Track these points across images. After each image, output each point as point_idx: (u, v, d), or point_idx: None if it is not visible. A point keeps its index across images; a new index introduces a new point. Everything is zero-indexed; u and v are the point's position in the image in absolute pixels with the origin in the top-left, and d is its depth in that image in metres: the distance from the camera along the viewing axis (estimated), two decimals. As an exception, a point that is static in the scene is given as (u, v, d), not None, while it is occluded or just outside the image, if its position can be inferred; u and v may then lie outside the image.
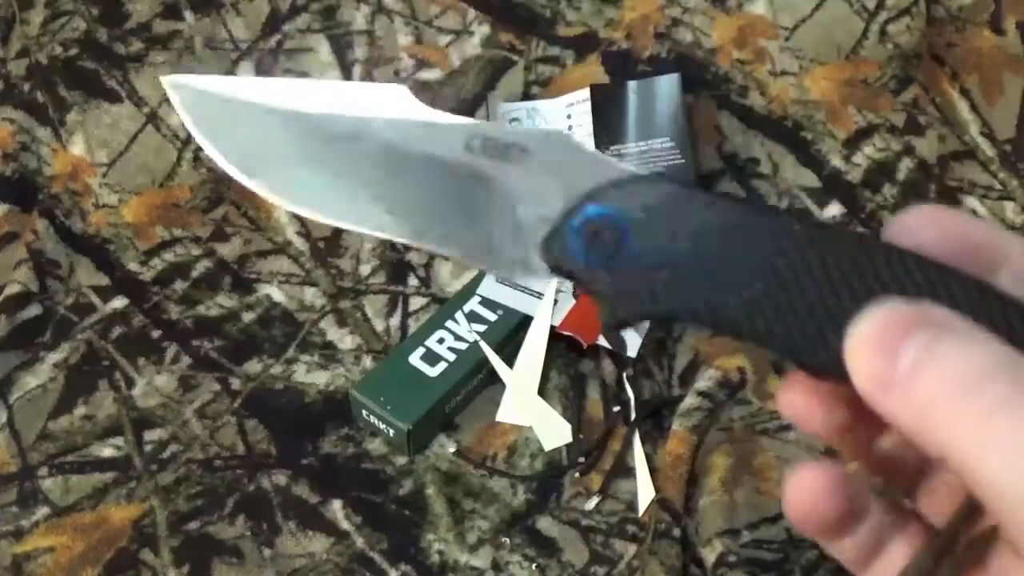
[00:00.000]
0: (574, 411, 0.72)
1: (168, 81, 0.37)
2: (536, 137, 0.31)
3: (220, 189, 0.82)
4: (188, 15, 0.88)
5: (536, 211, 0.31)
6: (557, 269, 0.30)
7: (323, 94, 0.35)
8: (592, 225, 0.29)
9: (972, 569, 0.29)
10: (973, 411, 0.25)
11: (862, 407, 0.27)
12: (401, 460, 0.71)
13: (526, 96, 0.85)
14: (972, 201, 0.81)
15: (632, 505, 0.69)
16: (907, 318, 0.26)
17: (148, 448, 0.71)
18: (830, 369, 0.28)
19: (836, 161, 0.82)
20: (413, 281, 0.78)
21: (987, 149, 0.83)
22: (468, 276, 0.77)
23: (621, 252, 0.29)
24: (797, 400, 0.31)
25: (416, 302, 0.77)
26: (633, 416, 0.71)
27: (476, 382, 0.72)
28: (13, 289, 0.77)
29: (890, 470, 0.33)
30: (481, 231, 0.32)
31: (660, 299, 0.29)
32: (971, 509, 0.29)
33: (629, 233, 0.29)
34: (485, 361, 0.72)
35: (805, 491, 0.30)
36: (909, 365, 0.25)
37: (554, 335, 0.73)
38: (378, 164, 0.33)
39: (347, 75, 0.86)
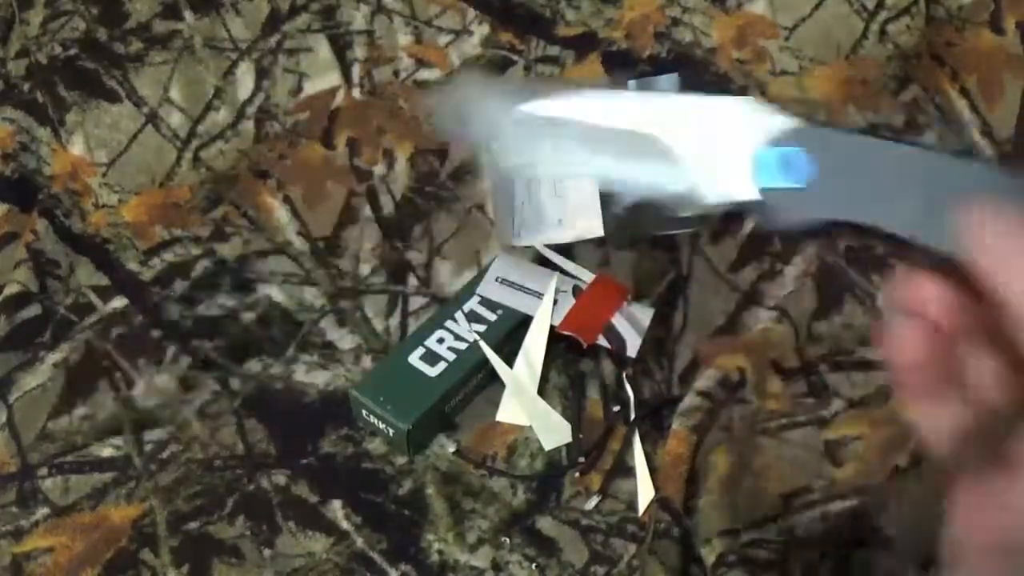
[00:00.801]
0: (574, 411, 0.72)
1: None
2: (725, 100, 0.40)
3: (220, 189, 0.82)
4: (188, 15, 0.88)
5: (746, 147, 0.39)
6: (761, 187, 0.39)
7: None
8: (784, 157, 0.38)
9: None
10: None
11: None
12: (401, 460, 0.71)
13: (526, 96, 0.85)
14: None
15: (632, 505, 0.69)
16: (998, 208, 0.33)
17: (148, 448, 0.71)
18: (941, 252, 0.35)
19: (836, 161, 0.82)
20: (413, 281, 0.78)
21: (987, 149, 0.83)
22: (468, 276, 0.77)
23: (804, 176, 0.38)
24: (911, 289, 0.37)
25: (416, 302, 0.77)
26: (633, 416, 0.71)
27: (476, 382, 0.72)
28: (13, 289, 0.77)
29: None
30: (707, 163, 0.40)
31: (830, 208, 0.38)
32: None
33: (809, 161, 0.38)
34: (485, 361, 0.72)
35: (906, 337, 0.35)
36: (994, 234, 0.33)
37: (554, 335, 0.73)
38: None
39: (347, 75, 0.86)
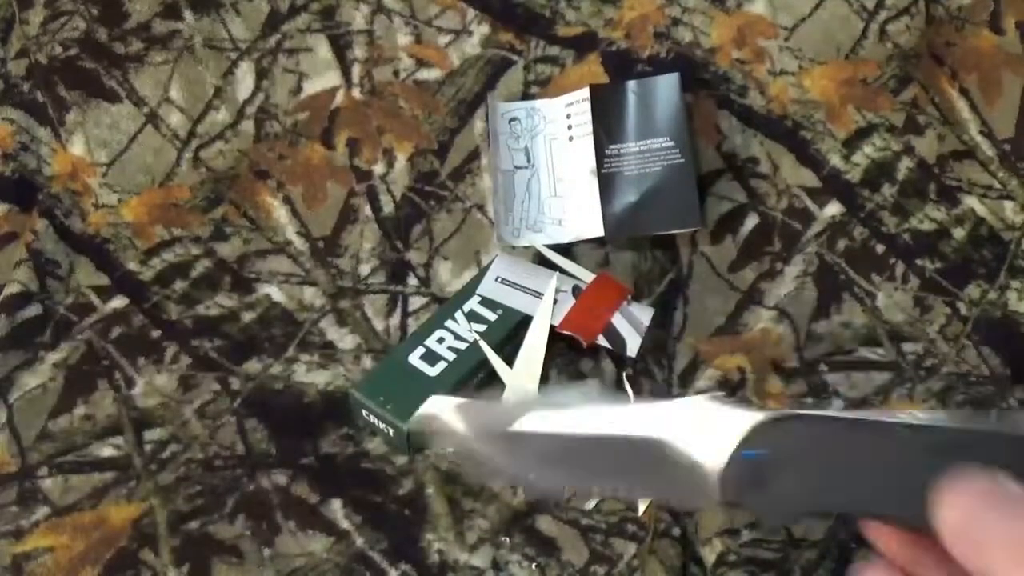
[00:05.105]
0: (574, 411, 0.72)
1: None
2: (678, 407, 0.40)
3: (220, 189, 0.82)
4: (188, 15, 0.88)
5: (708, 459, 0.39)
6: (728, 498, 0.39)
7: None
8: (750, 464, 0.38)
9: None
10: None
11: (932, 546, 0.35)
12: (401, 460, 0.71)
13: (525, 96, 0.85)
14: (972, 200, 0.81)
15: (632, 505, 0.69)
16: (986, 489, 0.33)
17: (148, 448, 0.71)
18: (918, 524, 0.35)
19: (835, 160, 0.82)
20: (413, 281, 0.78)
21: (986, 148, 0.83)
22: (468, 276, 0.77)
23: (771, 481, 0.38)
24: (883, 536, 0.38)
25: (416, 302, 0.77)
26: (633, 416, 0.71)
27: (476, 382, 0.72)
28: (13, 289, 0.77)
29: None
30: (670, 477, 0.40)
31: (803, 507, 0.38)
32: None
33: (775, 466, 0.38)
34: (485, 361, 0.72)
35: None
36: (982, 530, 0.33)
37: (554, 335, 0.73)
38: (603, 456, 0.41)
39: (347, 75, 0.86)
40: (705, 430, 0.39)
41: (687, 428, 0.39)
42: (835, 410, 0.69)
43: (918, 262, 0.79)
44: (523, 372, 0.72)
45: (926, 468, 0.35)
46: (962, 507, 0.33)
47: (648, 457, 0.40)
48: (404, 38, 0.88)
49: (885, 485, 0.36)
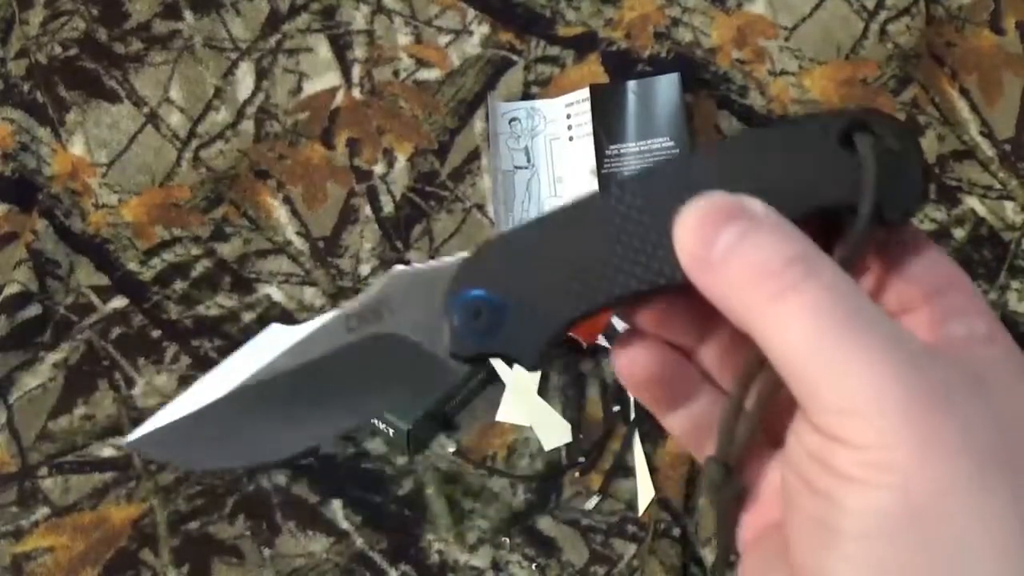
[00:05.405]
0: (574, 411, 0.72)
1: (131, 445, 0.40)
2: (382, 283, 0.35)
3: (220, 189, 0.82)
4: (188, 15, 0.88)
5: (430, 331, 0.34)
6: (474, 359, 0.34)
7: (223, 371, 0.38)
8: (469, 309, 0.33)
9: (769, 427, 0.33)
10: (767, 293, 0.29)
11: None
12: (401, 460, 0.71)
13: (526, 96, 0.85)
14: (972, 200, 0.81)
15: (632, 505, 0.69)
16: (726, 207, 0.30)
17: (148, 448, 0.71)
18: (671, 283, 0.32)
19: (836, 161, 0.82)
20: (413, 281, 0.78)
21: (987, 149, 0.83)
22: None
23: (493, 314, 0.33)
24: (632, 353, 0.35)
25: (416, 302, 0.77)
26: (633, 416, 0.71)
27: (476, 382, 0.72)
28: (13, 289, 0.77)
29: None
30: (408, 372, 0.35)
31: (552, 325, 0.33)
32: (754, 367, 0.32)
33: (498, 301, 0.33)
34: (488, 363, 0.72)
35: (632, 355, 0.34)
36: (723, 250, 0.29)
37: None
38: (294, 398, 0.35)
39: (347, 75, 0.86)
40: (410, 300, 0.34)
41: (393, 304, 0.34)
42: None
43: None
44: (523, 372, 0.72)
45: (658, 213, 0.31)
46: (699, 226, 0.30)
47: (365, 360, 0.35)
48: (404, 38, 0.88)
49: (623, 254, 0.32)
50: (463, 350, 0.34)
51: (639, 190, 0.32)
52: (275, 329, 0.36)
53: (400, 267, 0.35)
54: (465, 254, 0.34)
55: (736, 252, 0.29)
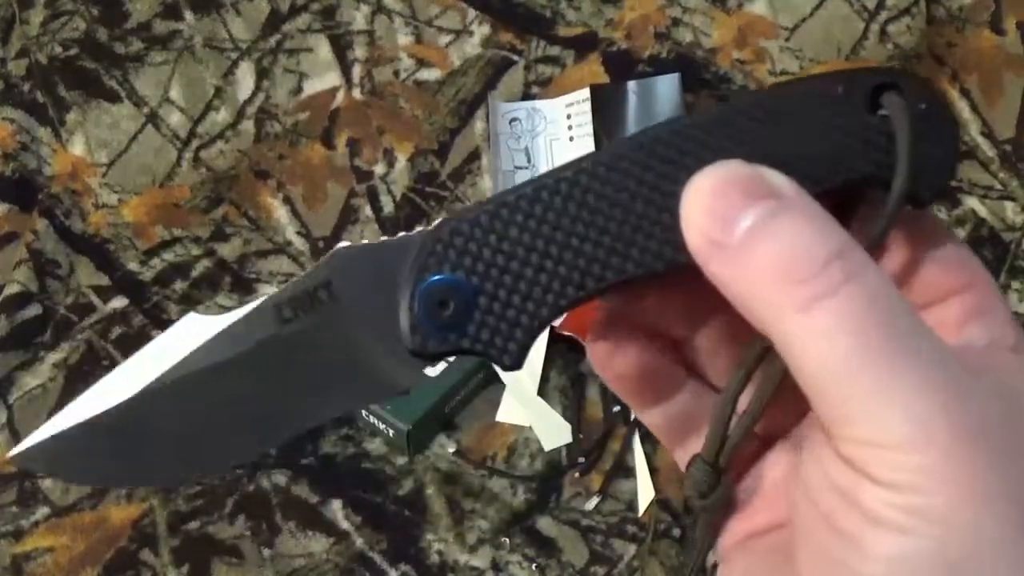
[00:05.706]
0: (574, 411, 0.72)
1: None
2: (322, 262, 0.30)
3: (220, 189, 0.82)
4: (188, 15, 0.88)
5: (382, 323, 0.29)
6: (434, 355, 0.29)
7: (134, 367, 0.32)
8: (433, 297, 0.28)
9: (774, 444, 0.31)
10: (797, 300, 0.24)
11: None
12: (401, 460, 0.71)
13: (526, 96, 0.85)
14: (972, 201, 0.81)
15: (632, 505, 0.69)
16: (748, 181, 0.25)
17: (148, 448, 0.71)
18: (673, 267, 0.28)
19: (836, 161, 0.82)
20: (413, 281, 0.78)
21: (987, 149, 0.83)
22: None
23: (462, 304, 0.29)
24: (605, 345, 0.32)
25: (416, 302, 0.77)
26: (633, 416, 0.71)
27: (476, 382, 0.72)
28: (13, 289, 0.77)
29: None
30: (353, 371, 0.30)
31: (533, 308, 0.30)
32: (755, 360, 0.29)
33: (469, 288, 0.28)
34: (484, 361, 0.71)
35: (609, 347, 0.31)
36: (744, 235, 0.25)
37: (554, 335, 0.73)
38: (212, 404, 0.30)
39: (347, 75, 0.86)
40: (356, 284, 0.29)
41: (334, 289, 0.29)
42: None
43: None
44: (523, 372, 0.72)
45: (659, 184, 0.27)
46: (714, 202, 0.25)
47: (299, 357, 0.29)
48: (404, 38, 0.88)
49: (618, 232, 0.28)
50: (425, 347, 0.29)
51: (639, 156, 0.28)
52: (192, 319, 0.31)
53: (345, 244, 0.30)
54: (425, 228, 0.29)
55: (761, 239, 0.25)
